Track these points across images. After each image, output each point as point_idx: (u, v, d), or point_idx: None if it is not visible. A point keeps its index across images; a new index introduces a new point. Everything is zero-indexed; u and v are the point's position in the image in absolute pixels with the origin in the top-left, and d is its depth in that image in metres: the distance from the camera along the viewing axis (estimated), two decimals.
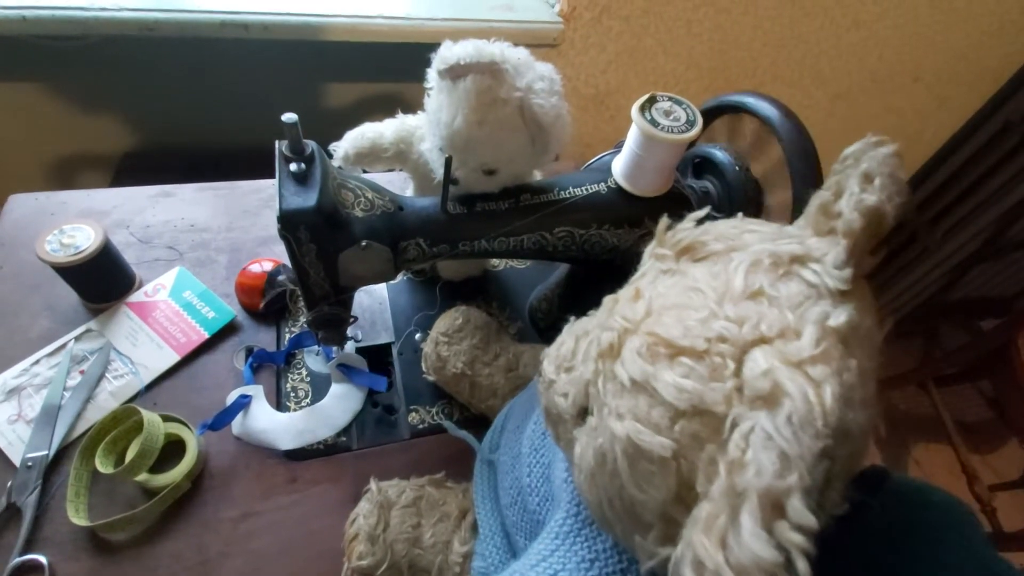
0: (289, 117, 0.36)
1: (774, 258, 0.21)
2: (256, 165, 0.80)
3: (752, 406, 0.18)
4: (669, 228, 0.26)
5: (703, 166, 0.51)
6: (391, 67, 0.93)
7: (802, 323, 0.19)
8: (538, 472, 0.38)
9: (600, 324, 0.26)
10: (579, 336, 0.28)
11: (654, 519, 0.22)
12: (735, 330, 0.19)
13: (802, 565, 0.16)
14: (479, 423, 0.53)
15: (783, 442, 0.16)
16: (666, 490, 0.20)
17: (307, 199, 0.36)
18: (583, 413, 0.26)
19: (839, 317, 0.19)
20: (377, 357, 0.60)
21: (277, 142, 0.38)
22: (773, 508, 0.16)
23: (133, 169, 0.94)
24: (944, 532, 0.21)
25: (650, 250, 0.26)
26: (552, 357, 0.29)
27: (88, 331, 0.56)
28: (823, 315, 0.19)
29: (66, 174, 0.94)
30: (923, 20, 1.04)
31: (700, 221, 0.25)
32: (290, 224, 0.36)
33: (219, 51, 0.85)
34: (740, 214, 0.26)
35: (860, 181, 0.20)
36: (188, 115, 0.92)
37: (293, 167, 0.37)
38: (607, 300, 0.26)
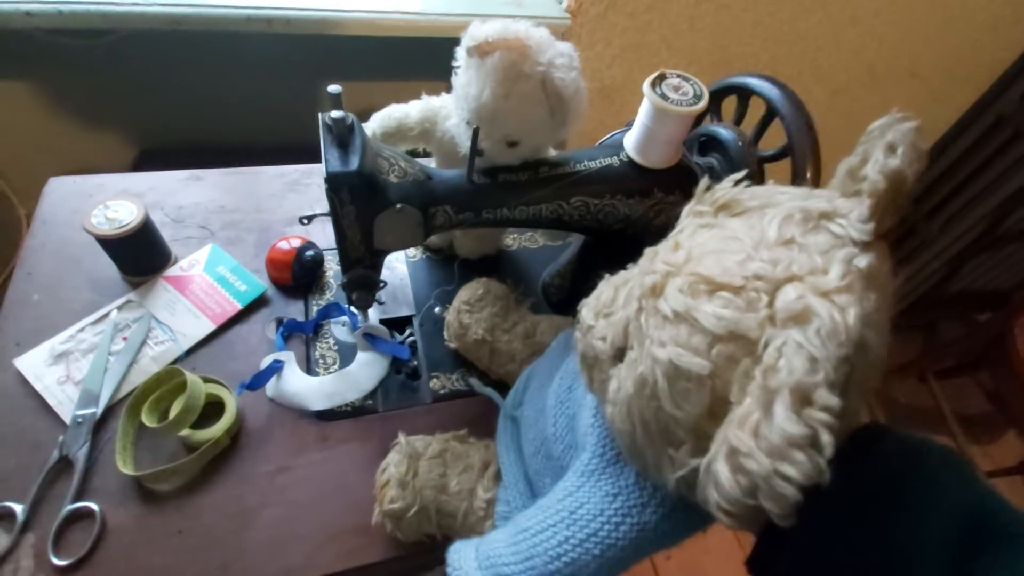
0: (334, 88, 0.39)
1: (804, 213, 0.24)
2: (270, 161, 0.83)
3: (784, 326, 0.21)
4: (707, 188, 0.29)
5: (708, 144, 0.55)
6: (405, 64, 0.97)
7: (830, 263, 0.22)
8: (563, 423, 0.41)
9: (642, 270, 0.29)
10: (618, 286, 0.31)
11: (687, 435, 0.25)
12: (769, 269, 0.22)
13: (826, 437, 0.18)
14: (497, 387, 0.56)
15: (812, 348, 0.19)
16: (700, 405, 0.23)
17: (349, 164, 0.40)
18: (620, 354, 0.29)
19: (862, 260, 0.22)
20: (400, 330, 0.63)
21: (320, 114, 0.41)
22: (802, 399, 0.19)
23: (149, 166, 0.97)
24: (942, 472, 0.22)
25: (689, 209, 0.30)
26: (591, 305, 0.32)
27: (128, 302, 0.59)
28: (849, 256, 0.22)
29: (82, 169, 0.97)
30: (919, 16, 1.08)
31: (738, 183, 0.29)
32: (335, 184, 0.39)
33: (235, 48, 0.88)
34: (771, 181, 0.30)
35: (884, 150, 0.22)
36: (203, 112, 0.96)
37: (337, 134, 0.40)
38: (648, 252, 0.30)
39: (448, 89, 0.49)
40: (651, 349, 0.25)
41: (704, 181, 0.29)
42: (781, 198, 0.26)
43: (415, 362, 0.60)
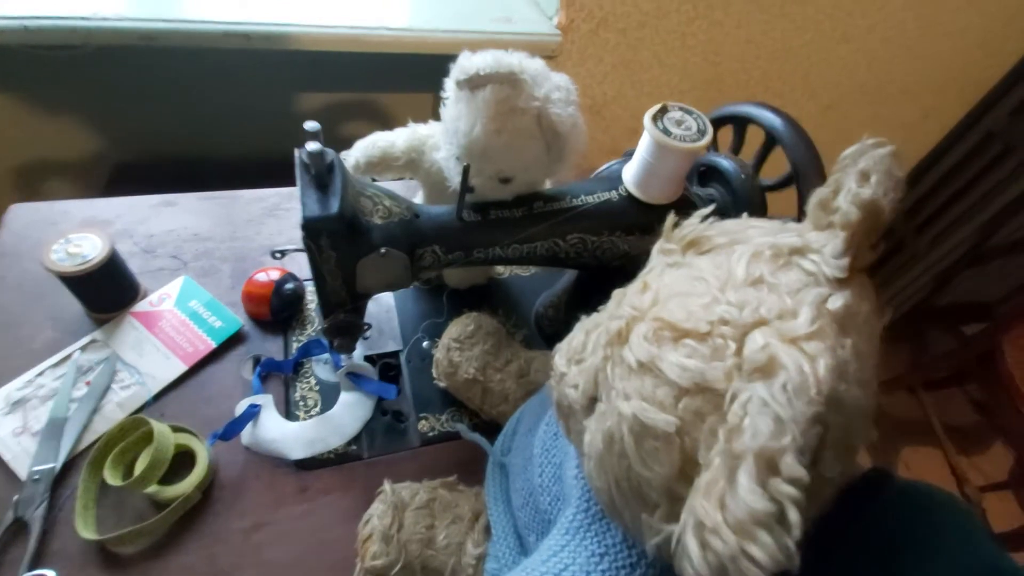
0: (312, 125, 0.36)
1: (775, 250, 0.22)
2: (252, 176, 0.80)
3: (750, 379, 0.19)
4: (676, 225, 0.27)
5: (709, 174, 0.52)
6: (387, 78, 0.94)
7: (799, 305, 0.20)
8: (549, 472, 0.38)
9: (609, 315, 0.27)
10: (589, 330, 0.29)
11: (660, 497, 0.23)
12: (736, 313, 0.21)
13: (793, 515, 0.17)
14: (489, 430, 0.53)
15: (778, 407, 0.17)
16: (670, 466, 0.21)
17: (329, 207, 0.36)
18: (593, 403, 0.27)
19: (836, 301, 0.20)
20: (385, 365, 0.60)
21: (296, 150, 0.38)
22: (768, 467, 0.17)
23: (125, 180, 0.93)
24: (948, 531, 0.21)
25: (658, 247, 0.28)
26: (564, 351, 0.30)
27: (93, 341, 0.55)
28: (819, 297, 0.20)
29: (55, 186, 0.92)
30: (910, 34, 1.07)
31: (705, 218, 0.27)
32: (313, 231, 0.36)
33: (214, 62, 0.85)
34: (745, 214, 0.28)
35: (857, 178, 0.21)
36: (181, 126, 0.92)
37: (315, 175, 0.37)
38: (616, 293, 0.27)
39: (435, 108, 0.46)
40: (616, 402, 0.23)
41: (671, 218, 0.27)
42: (751, 233, 0.24)
43: (402, 401, 0.57)
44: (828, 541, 0.21)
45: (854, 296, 0.20)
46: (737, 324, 0.20)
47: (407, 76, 0.94)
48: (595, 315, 0.30)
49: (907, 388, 1.59)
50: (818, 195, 0.22)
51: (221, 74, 0.86)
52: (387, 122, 1.00)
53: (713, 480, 0.18)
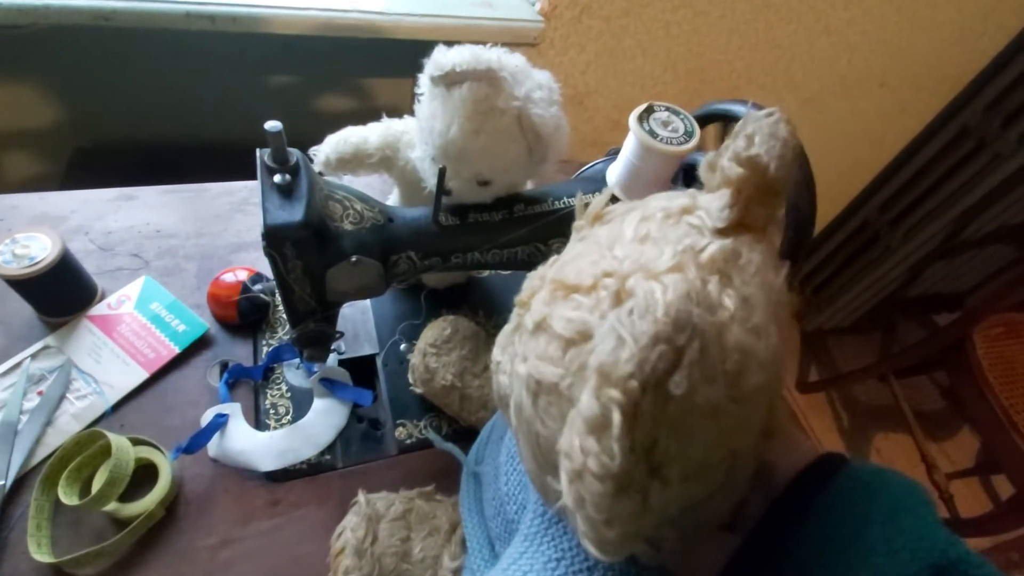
0: (273, 125, 0.33)
1: (665, 211, 0.23)
2: (220, 165, 0.76)
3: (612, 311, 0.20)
4: (586, 205, 0.28)
5: (693, 174, 0.51)
6: (361, 62, 0.90)
7: (666, 247, 0.21)
8: (515, 480, 0.38)
9: (523, 289, 0.28)
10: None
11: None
12: (617, 265, 0.21)
13: (616, 416, 0.17)
14: (469, 436, 0.52)
15: (620, 328, 0.18)
16: (562, 419, 0.21)
17: (293, 213, 0.34)
18: None
19: (712, 247, 0.20)
20: (361, 370, 0.58)
21: (259, 151, 0.35)
22: (605, 380, 0.17)
23: (85, 167, 0.88)
24: (902, 516, 0.21)
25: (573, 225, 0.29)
26: (499, 341, 0.30)
27: (46, 348, 0.52)
28: (690, 241, 0.21)
29: (10, 170, 0.87)
30: (890, 27, 1.07)
31: (612, 200, 0.27)
32: (275, 240, 0.33)
33: (181, 43, 0.80)
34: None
35: (744, 140, 0.21)
36: (147, 110, 0.87)
37: (277, 178, 0.35)
38: (530, 273, 0.28)
39: (411, 103, 0.43)
40: (516, 367, 0.24)
41: (580, 197, 0.28)
42: (651, 201, 0.25)
43: (378, 407, 0.55)
44: (783, 528, 0.22)
45: (740, 246, 0.21)
46: (618, 274, 0.21)
47: (384, 61, 0.90)
48: None
49: (879, 376, 1.62)
50: (707, 159, 0.23)
51: (186, 56, 0.82)
52: (365, 109, 0.96)
53: (574, 411, 0.19)
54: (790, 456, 0.24)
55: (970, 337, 1.30)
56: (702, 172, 0.24)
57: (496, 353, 0.29)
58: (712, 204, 0.22)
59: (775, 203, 0.22)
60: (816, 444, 1.63)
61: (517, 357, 0.24)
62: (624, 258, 0.21)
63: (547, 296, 0.23)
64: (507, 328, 0.28)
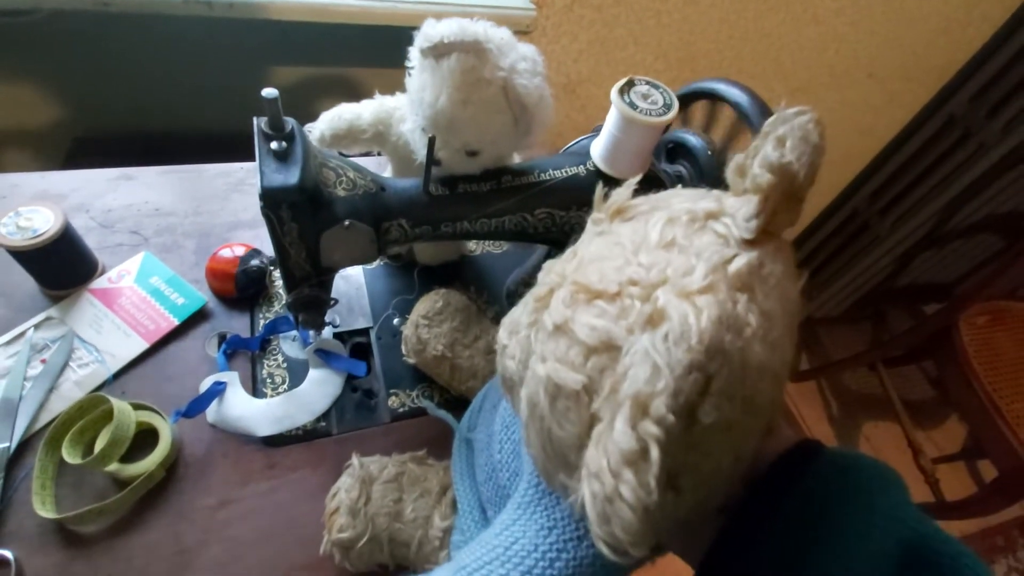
0: (269, 92, 0.35)
1: (691, 215, 0.23)
2: (219, 153, 0.77)
3: (642, 331, 0.19)
4: (606, 196, 0.27)
5: (676, 151, 0.53)
6: (359, 51, 0.91)
7: (699, 263, 0.20)
8: (508, 448, 0.39)
9: (539, 283, 0.27)
10: (527, 301, 0.29)
11: (576, 458, 0.23)
12: (644, 274, 0.21)
13: (655, 453, 0.17)
14: (459, 405, 0.54)
15: (656, 355, 0.18)
16: (580, 424, 0.22)
17: (289, 177, 0.36)
18: None
19: (739, 260, 0.20)
20: (356, 345, 0.59)
21: (255, 119, 0.37)
22: (641, 410, 0.18)
23: (84, 155, 0.89)
24: (875, 497, 0.22)
25: (591, 217, 0.28)
26: (506, 324, 0.30)
27: (48, 319, 0.53)
28: (720, 255, 0.20)
29: (10, 161, 0.88)
30: (877, 17, 1.09)
31: (636, 190, 0.27)
32: (272, 202, 0.35)
33: (180, 30, 0.81)
34: (679, 185, 0.28)
35: (774, 144, 0.21)
36: (146, 99, 0.87)
37: (274, 144, 0.36)
38: (546, 264, 0.28)
39: (404, 88, 0.45)
40: (534, 366, 0.24)
41: (599, 189, 0.28)
42: (674, 201, 0.25)
43: (372, 379, 0.57)
44: (761, 515, 0.22)
45: (764, 258, 0.21)
46: (645, 284, 0.21)
47: (380, 49, 0.91)
48: (535, 288, 0.30)
49: (868, 365, 1.64)
50: (735, 161, 0.23)
51: (185, 44, 0.83)
52: (361, 97, 0.97)
53: (601, 429, 0.19)
54: (771, 440, 0.25)
55: (956, 325, 1.33)
56: (729, 175, 0.23)
57: (503, 336, 0.29)
58: (739, 211, 0.22)
59: (797, 208, 0.22)
60: (798, 431, 1.65)
61: (535, 355, 0.24)
62: (650, 266, 0.21)
63: (568, 297, 0.23)
64: (517, 313, 0.28)
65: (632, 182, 0.27)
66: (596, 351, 0.21)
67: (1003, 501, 1.22)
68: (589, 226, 0.28)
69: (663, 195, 0.26)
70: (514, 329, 0.28)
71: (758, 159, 0.21)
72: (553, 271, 0.25)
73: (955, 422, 1.79)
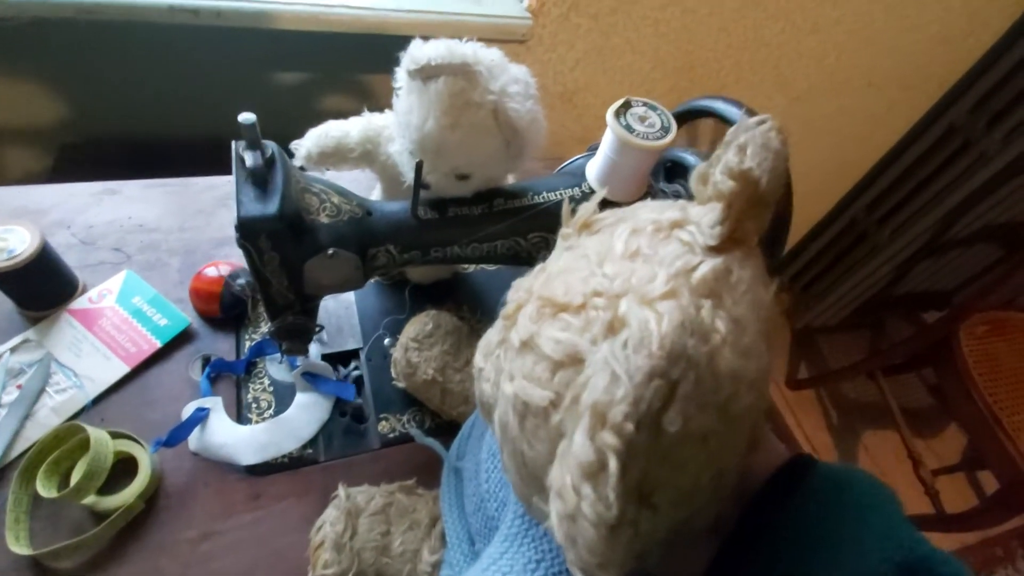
0: (246, 117, 0.33)
1: (656, 225, 0.23)
2: (205, 160, 0.75)
3: (604, 341, 0.19)
4: (573, 211, 0.27)
5: (675, 170, 0.51)
6: (353, 59, 0.90)
7: (660, 270, 0.20)
8: (496, 477, 0.38)
9: (509, 300, 0.27)
10: (497, 322, 0.28)
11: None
12: (608, 284, 0.21)
13: (613, 464, 0.16)
14: (451, 430, 0.52)
15: (615, 362, 0.17)
16: (549, 441, 0.21)
17: (268, 205, 0.34)
18: None
19: (704, 267, 0.20)
20: (344, 364, 0.58)
21: (234, 143, 0.35)
22: (600, 420, 0.17)
23: (70, 164, 0.87)
24: (868, 514, 0.22)
25: (560, 232, 0.28)
26: (481, 346, 0.29)
27: (26, 341, 0.51)
28: (683, 262, 0.20)
29: None
30: (877, 26, 1.08)
31: (601, 205, 0.27)
32: (250, 233, 0.34)
33: (166, 37, 0.79)
34: (650, 198, 0.27)
35: (735, 152, 0.21)
36: (135, 107, 0.86)
37: (251, 167, 0.35)
38: (515, 281, 0.27)
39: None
40: (503, 385, 0.23)
41: (567, 204, 0.28)
42: (640, 211, 0.25)
43: (361, 402, 0.55)
44: (757, 530, 0.22)
45: (731, 264, 0.21)
46: (609, 294, 0.20)
47: (371, 58, 0.90)
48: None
49: (867, 373, 1.63)
50: (698, 170, 0.23)
51: (174, 52, 0.81)
52: (351, 107, 0.96)
53: (565, 444, 0.18)
54: (762, 457, 0.24)
55: (955, 334, 1.32)
56: (693, 183, 0.23)
57: (478, 359, 0.28)
58: (703, 219, 0.21)
59: (765, 215, 0.22)
60: (797, 440, 1.64)
61: (503, 374, 0.24)
62: (615, 277, 0.21)
63: (534, 312, 0.22)
64: (491, 335, 0.28)
65: (597, 197, 0.27)
66: (562, 365, 0.20)
67: (1005, 513, 1.21)
68: (559, 241, 0.27)
69: (630, 208, 0.26)
70: (488, 351, 0.28)
71: (719, 167, 0.21)
72: (521, 288, 0.25)
73: (955, 430, 1.78)
